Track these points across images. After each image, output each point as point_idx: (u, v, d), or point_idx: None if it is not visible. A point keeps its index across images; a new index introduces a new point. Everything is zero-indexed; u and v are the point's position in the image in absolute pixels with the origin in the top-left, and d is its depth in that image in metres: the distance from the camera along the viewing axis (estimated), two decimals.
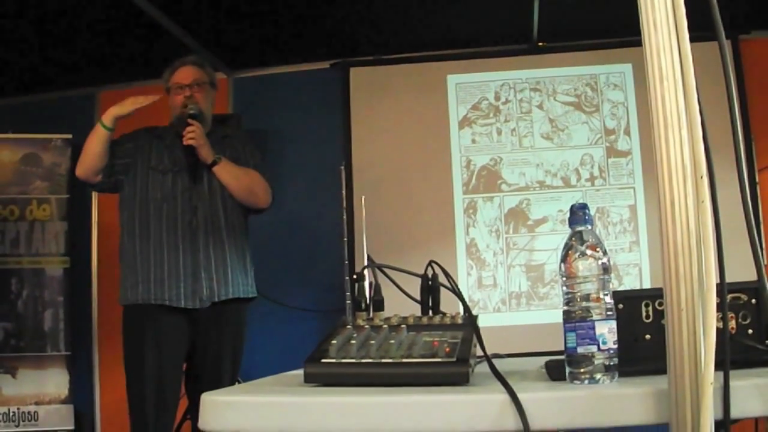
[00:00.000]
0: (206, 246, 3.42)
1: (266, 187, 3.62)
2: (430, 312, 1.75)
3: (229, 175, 3.48)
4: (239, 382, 3.55)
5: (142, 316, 3.37)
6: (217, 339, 3.45)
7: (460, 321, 1.60)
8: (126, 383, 3.37)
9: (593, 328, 1.25)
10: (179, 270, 3.37)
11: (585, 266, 1.28)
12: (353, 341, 1.45)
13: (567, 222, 1.36)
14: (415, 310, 1.75)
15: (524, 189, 4.79)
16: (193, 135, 3.39)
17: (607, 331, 1.25)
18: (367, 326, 1.56)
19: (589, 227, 1.33)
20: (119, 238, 3.52)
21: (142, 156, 3.49)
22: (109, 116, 3.37)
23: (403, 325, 1.55)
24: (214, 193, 3.48)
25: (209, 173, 3.48)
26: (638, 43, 1.16)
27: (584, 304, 1.27)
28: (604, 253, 1.29)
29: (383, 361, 1.37)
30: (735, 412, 1.13)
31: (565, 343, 1.29)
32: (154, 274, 3.37)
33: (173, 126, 3.57)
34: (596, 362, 1.25)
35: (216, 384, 3.14)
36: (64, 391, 4.77)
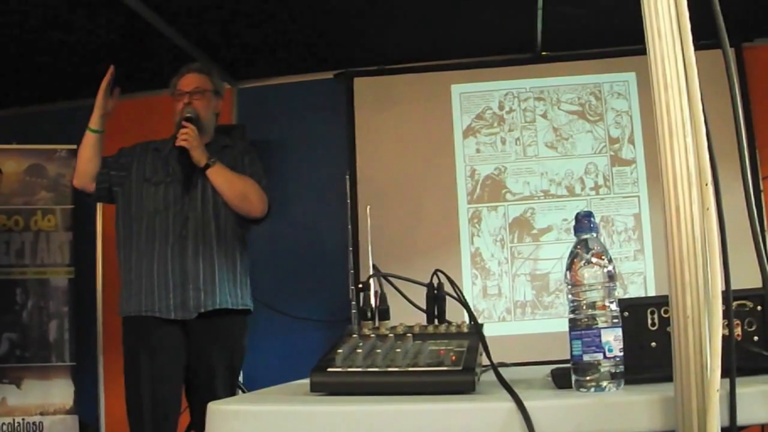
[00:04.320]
0: (195, 255, 3.39)
1: (261, 195, 3.54)
2: (436, 321, 1.75)
3: (223, 178, 3.43)
4: (243, 392, 3.55)
5: (137, 328, 3.38)
6: (209, 352, 3.41)
7: (465, 330, 1.60)
8: (125, 395, 3.38)
9: (599, 336, 1.25)
10: (168, 281, 3.35)
11: (590, 274, 1.28)
12: (359, 350, 1.45)
13: (572, 231, 1.36)
14: (421, 319, 1.75)
15: (529, 198, 4.79)
16: (186, 136, 3.37)
17: (612, 338, 1.25)
18: (372, 335, 1.57)
19: (595, 235, 1.33)
20: (116, 251, 3.54)
21: (137, 169, 3.51)
22: (93, 119, 3.45)
23: (409, 334, 1.55)
24: (207, 202, 3.45)
25: (204, 180, 3.45)
26: (642, 51, 1.17)
27: (590, 311, 1.27)
28: (610, 260, 1.29)
29: (389, 369, 1.37)
30: (741, 419, 1.13)
31: (571, 350, 1.29)
32: (145, 286, 3.37)
33: (173, 136, 3.57)
34: (602, 370, 1.25)
35: (211, 396, 3.12)
36: (68, 401, 4.76)
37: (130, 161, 3.52)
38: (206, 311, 3.37)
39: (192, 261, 3.38)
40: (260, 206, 3.55)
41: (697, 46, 1.14)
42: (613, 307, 1.27)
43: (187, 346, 3.40)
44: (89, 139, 3.45)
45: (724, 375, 1.09)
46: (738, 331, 1.42)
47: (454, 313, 1.79)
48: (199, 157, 3.41)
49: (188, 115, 3.45)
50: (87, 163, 3.47)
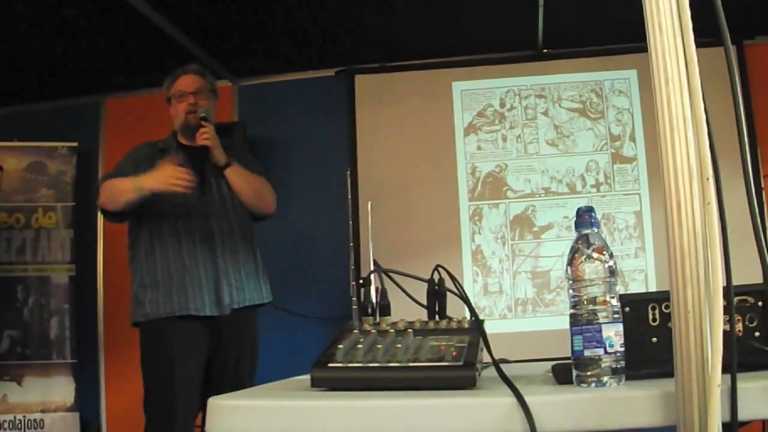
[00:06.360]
0: (223, 254, 3.41)
1: (273, 192, 3.61)
2: (437, 317, 1.75)
3: (241, 178, 3.47)
4: None
5: (169, 330, 3.31)
6: (236, 347, 3.44)
7: (466, 325, 1.60)
8: (149, 397, 3.32)
9: (600, 331, 1.25)
10: (200, 278, 3.35)
11: (591, 269, 1.27)
12: (360, 345, 1.45)
13: (572, 228, 1.36)
14: (422, 314, 1.75)
15: (530, 196, 4.79)
16: (207, 135, 3.38)
17: (613, 333, 1.25)
18: (373, 331, 1.56)
19: (596, 230, 1.32)
20: (133, 255, 3.47)
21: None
22: (148, 189, 3.27)
23: (409, 330, 1.55)
24: (225, 202, 3.48)
25: (218, 180, 3.47)
26: (643, 49, 1.16)
27: (591, 307, 1.26)
28: (611, 255, 1.29)
29: (390, 365, 1.37)
30: (742, 414, 1.12)
31: (572, 346, 1.29)
32: (176, 286, 3.33)
33: (176, 136, 3.56)
34: (603, 365, 1.24)
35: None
36: (69, 398, 4.77)
37: (146, 168, 3.40)
38: (238, 307, 3.42)
39: (221, 259, 3.40)
40: (272, 203, 3.62)
41: (698, 44, 1.14)
42: (614, 302, 1.27)
43: (210, 344, 3.39)
44: (140, 194, 3.29)
45: (725, 370, 1.09)
46: (739, 326, 1.41)
47: (455, 309, 1.79)
48: (220, 156, 3.43)
49: (203, 114, 3.45)
50: (127, 205, 3.34)
